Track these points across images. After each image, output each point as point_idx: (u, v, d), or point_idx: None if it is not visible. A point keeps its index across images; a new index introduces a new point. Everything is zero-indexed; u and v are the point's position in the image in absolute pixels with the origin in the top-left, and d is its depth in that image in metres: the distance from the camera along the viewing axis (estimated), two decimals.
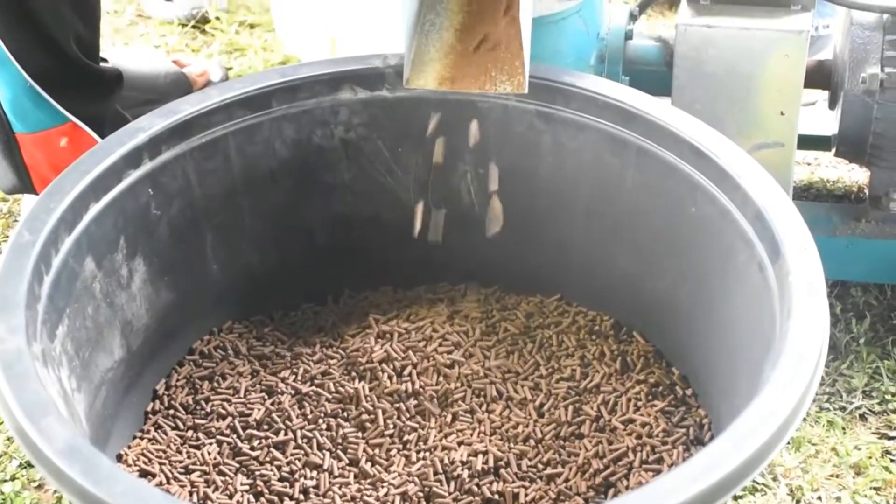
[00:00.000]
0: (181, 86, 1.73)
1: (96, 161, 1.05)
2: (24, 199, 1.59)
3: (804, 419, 1.22)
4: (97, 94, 1.45)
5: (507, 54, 1.10)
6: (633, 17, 1.35)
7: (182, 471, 1.05)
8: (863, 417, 1.29)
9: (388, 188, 1.22)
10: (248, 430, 1.08)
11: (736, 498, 1.20)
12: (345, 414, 1.10)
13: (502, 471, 1.04)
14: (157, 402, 1.13)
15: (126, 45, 1.97)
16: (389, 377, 1.12)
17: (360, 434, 1.08)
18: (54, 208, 0.99)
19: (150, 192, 1.10)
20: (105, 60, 1.55)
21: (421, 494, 1.02)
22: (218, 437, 1.08)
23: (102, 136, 1.41)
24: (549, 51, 1.25)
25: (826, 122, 1.46)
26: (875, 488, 1.22)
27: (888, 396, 1.31)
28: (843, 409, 1.30)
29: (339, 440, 1.08)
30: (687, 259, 1.10)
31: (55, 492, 1.23)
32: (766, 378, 0.86)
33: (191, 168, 1.13)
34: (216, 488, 1.03)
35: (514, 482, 1.03)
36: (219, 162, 1.15)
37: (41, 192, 1.44)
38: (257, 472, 1.05)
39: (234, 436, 1.08)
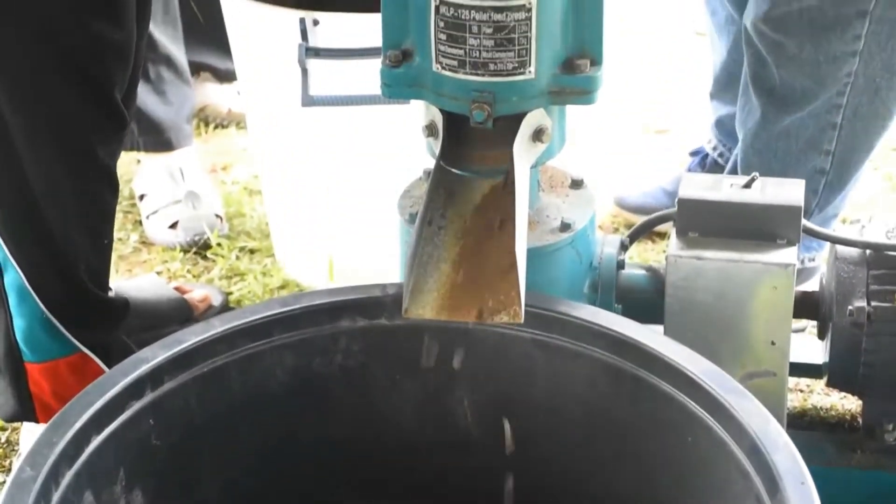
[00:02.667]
0: (183, 312, 1.76)
1: (100, 393, 1.06)
2: (23, 428, 1.60)
3: None
4: (106, 324, 1.48)
5: (504, 285, 1.13)
6: (624, 247, 1.39)
7: None
8: None
9: (387, 414, 1.24)
10: None
11: None
12: None
13: None
14: None
15: (130, 273, 2.02)
16: None
17: None
18: (57, 442, 1.00)
19: (151, 423, 1.11)
20: (110, 289, 1.59)
21: None
22: None
23: (109, 365, 1.44)
24: (544, 280, 1.28)
25: (817, 349, 1.49)
26: None
27: None
28: None
29: None
30: (685, 487, 1.11)
31: None
32: None
33: (192, 396, 1.15)
34: None
35: None
36: (220, 389, 1.17)
37: (42, 420, 1.47)
38: None
39: None
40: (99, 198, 1.47)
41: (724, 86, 2.00)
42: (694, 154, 2.14)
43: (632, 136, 2.44)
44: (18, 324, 1.44)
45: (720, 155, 2.06)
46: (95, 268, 1.49)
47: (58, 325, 1.43)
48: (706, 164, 2.09)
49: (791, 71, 1.67)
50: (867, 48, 1.64)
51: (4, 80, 1.35)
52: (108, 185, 1.47)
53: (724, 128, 2.01)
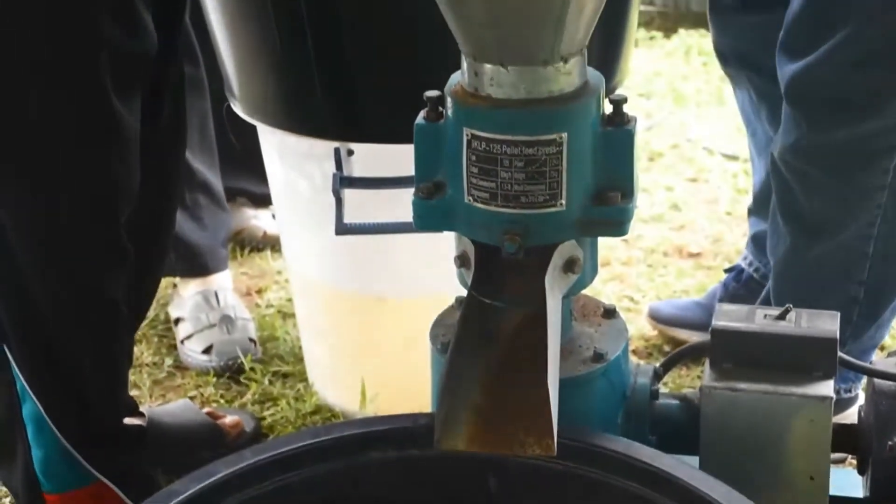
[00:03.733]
0: (215, 438, 1.76)
1: None
2: None
3: None
4: (123, 452, 1.48)
5: (537, 417, 1.12)
6: (657, 377, 1.38)
7: None
8: None
9: None
10: None
11: None
12: None
13: None
14: None
15: (164, 398, 2.02)
16: None
17: None
18: None
19: None
20: (143, 415, 1.59)
21: None
22: None
23: (128, 496, 1.43)
24: (577, 411, 1.27)
25: (857, 483, 1.46)
26: None
27: None
28: None
29: None
30: None
31: None
32: None
33: None
34: None
35: None
36: None
37: None
38: None
39: None
40: (108, 330, 1.48)
41: (762, 204, 2.01)
42: (729, 271, 2.14)
43: (664, 258, 2.44)
44: (37, 454, 1.44)
45: (756, 270, 2.06)
46: (110, 396, 1.49)
47: (76, 454, 1.43)
48: (742, 279, 2.08)
49: (818, 201, 1.67)
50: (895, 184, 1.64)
51: (18, 218, 1.38)
52: (117, 316, 1.49)
53: (760, 244, 2.01)
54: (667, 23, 3.68)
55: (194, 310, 2.14)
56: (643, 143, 2.87)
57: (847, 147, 1.63)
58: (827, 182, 1.66)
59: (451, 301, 1.35)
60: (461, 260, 1.21)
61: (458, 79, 1.16)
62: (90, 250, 1.43)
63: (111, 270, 1.46)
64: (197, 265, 2.18)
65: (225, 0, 1.59)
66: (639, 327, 2.16)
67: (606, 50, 1.62)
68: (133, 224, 1.48)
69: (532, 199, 1.14)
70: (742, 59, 1.91)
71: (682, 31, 3.63)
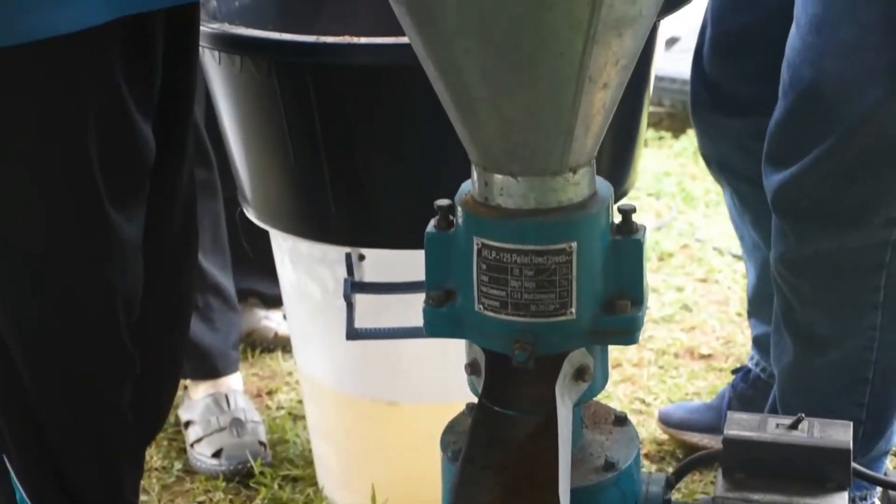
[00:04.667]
0: None
1: None
2: None
3: None
4: None
5: None
6: (669, 485, 1.37)
7: None
8: None
9: None
10: None
11: None
12: None
13: None
14: None
15: (172, 503, 2.00)
16: None
17: None
18: None
19: None
20: None
21: None
22: None
23: None
24: None
25: None
26: None
27: None
28: None
29: None
30: None
31: None
32: None
33: None
34: None
35: None
36: None
37: None
38: None
39: None
40: (112, 439, 1.48)
41: (758, 305, 2.00)
42: (736, 371, 2.12)
43: (675, 360, 2.43)
44: None
45: (763, 370, 2.04)
46: None
47: None
48: (749, 379, 2.07)
49: (813, 314, 1.65)
50: (890, 304, 1.62)
51: (16, 324, 1.38)
52: (121, 425, 1.48)
53: (762, 346, 2.00)
54: (675, 123, 3.71)
55: (204, 413, 2.13)
56: (653, 243, 2.88)
57: (834, 261, 1.60)
58: (818, 296, 1.64)
59: (463, 407, 1.35)
60: (472, 367, 1.21)
61: (468, 188, 1.17)
62: (90, 358, 1.43)
63: (113, 378, 1.45)
64: (207, 367, 2.18)
65: (239, 112, 1.62)
66: (650, 431, 2.15)
67: (616, 158, 1.63)
68: (145, 331, 1.49)
69: (542, 308, 1.14)
70: (722, 164, 1.90)
71: (690, 132, 3.66)
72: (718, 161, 1.90)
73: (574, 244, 1.13)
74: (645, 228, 1.17)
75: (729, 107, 1.82)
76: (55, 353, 1.41)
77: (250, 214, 1.71)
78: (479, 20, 1.02)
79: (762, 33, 1.74)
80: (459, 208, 1.16)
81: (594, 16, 1.01)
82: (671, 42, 3.67)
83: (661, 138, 3.67)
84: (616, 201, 1.19)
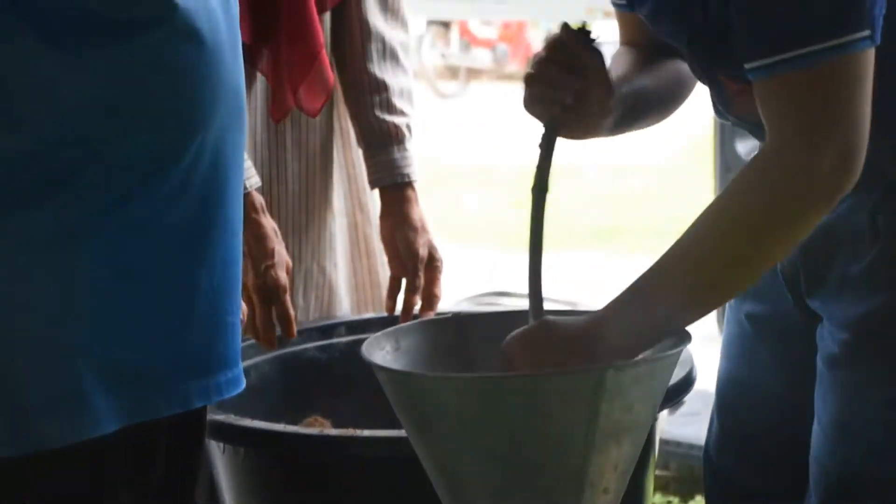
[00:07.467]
0: None
1: None
2: None
3: None
4: None
5: None
6: None
7: None
8: None
9: None
10: None
11: None
12: None
13: None
14: None
15: None
16: None
17: None
18: None
19: None
20: None
21: None
22: None
23: None
24: None
25: None
26: None
27: None
28: None
29: None
30: None
31: None
32: None
33: None
34: None
35: None
36: None
37: None
38: None
39: None
40: None
41: None
42: None
43: None
44: None
45: None
46: None
47: None
48: None
49: None
50: None
51: None
52: None
53: None
54: (682, 487, 3.68)
55: None
56: None
57: None
58: None
59: None
60: None
61: None
62: None
63: None
64: None
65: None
66: None
67: None
68: None
69: None
70: None
71: (698, 496, 3.62)
72: None
73: None
74: None
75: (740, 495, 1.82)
76: None
77: None
78: (476, 431, 1.04)
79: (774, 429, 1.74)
80: None
81: (591, 425, 1.03)
82: (675, 406, 3.69)
83: (669, 502, 3.63)
84: None
